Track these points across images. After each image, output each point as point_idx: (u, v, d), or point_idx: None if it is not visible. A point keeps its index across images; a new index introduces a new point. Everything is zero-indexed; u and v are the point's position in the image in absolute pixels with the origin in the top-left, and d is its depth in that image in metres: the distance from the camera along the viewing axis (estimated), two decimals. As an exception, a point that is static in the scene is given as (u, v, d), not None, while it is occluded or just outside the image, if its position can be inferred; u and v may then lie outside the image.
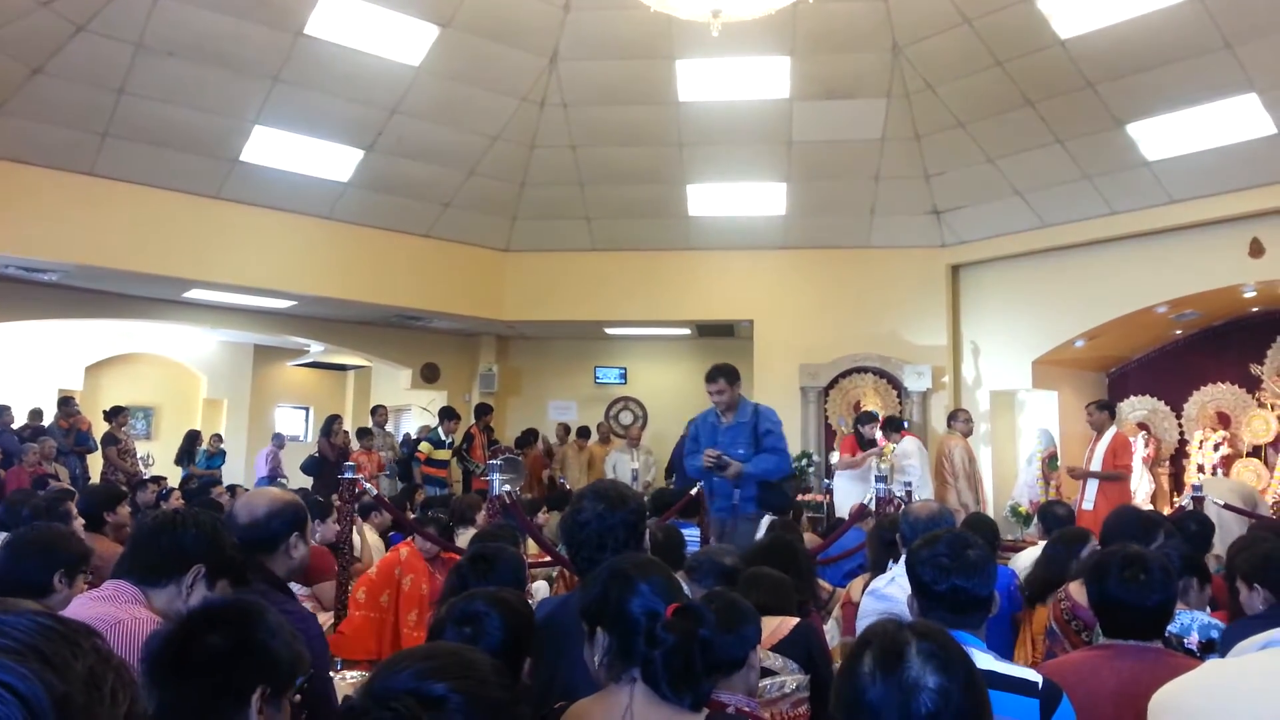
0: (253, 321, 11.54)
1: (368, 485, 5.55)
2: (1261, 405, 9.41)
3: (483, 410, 11.38)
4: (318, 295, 10.23)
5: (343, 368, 14.94)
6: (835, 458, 9.48)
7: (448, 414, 10.89)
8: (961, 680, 1.39)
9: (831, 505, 9.39)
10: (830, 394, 10.66)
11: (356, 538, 5.54)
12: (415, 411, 13.06)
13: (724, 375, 5.84)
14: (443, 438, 10.56)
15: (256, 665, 1.49)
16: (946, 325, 10.39)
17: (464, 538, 4.87)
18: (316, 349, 13.11)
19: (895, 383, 10.42)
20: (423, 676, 1.24)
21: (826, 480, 10.10)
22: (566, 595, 2.58)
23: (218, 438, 12.07)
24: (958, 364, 10.41)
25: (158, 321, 11.32)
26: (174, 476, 10.52)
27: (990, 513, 9.13)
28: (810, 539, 6.23)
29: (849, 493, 8.48)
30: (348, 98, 8.83)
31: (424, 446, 10.42)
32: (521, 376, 13.03)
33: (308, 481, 10.26)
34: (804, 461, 10.35)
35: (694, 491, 5.85)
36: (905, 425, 9.11)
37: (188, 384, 13.86)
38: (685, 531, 5.56)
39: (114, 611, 2.07)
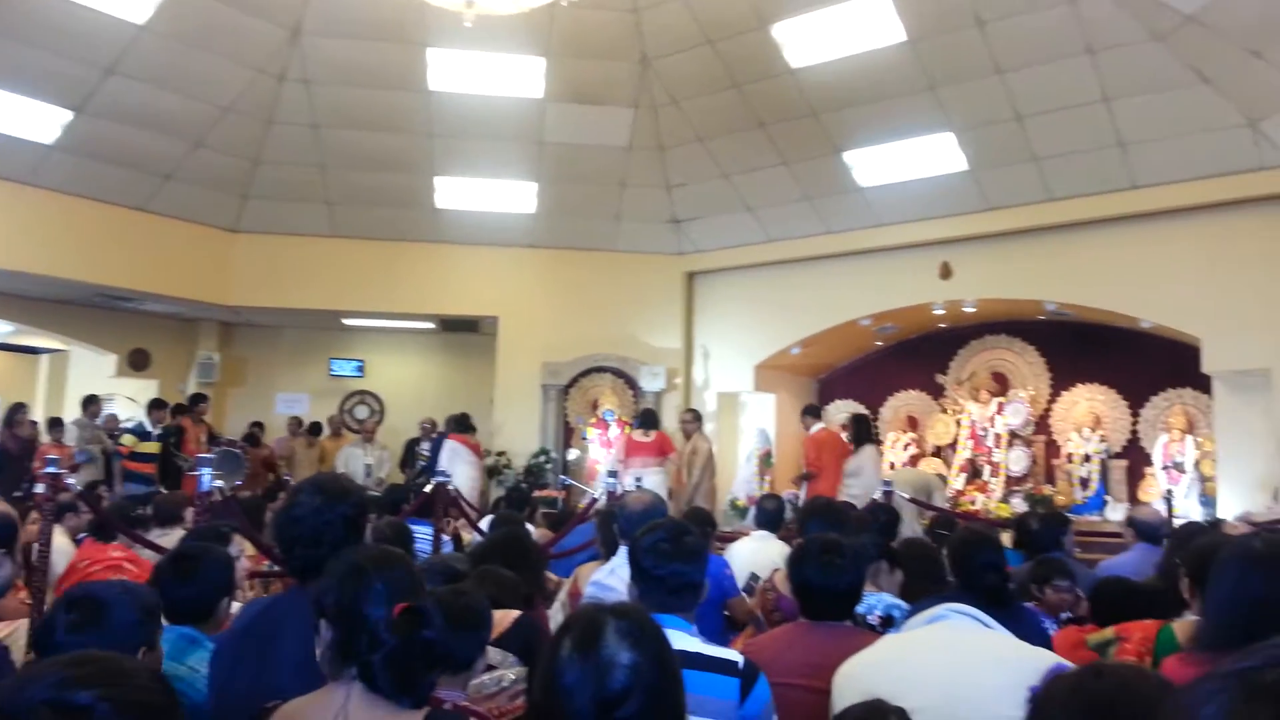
0: (-75, 295, 10.02)
1: (71, 481, 4.98)
2: (944, 411, 10.63)
3: (196, 400, 10.46)
4: (9, 269, 9.04)
5: (35, 351, 13.33)
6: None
7: (158, 405, 10.00)
8: (653, 655, 1.45)
9: (567, 500, 9.56)
10: (570, 392, 10.86)
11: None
12: (120, 402, 11.86)
13: None
14: (149, 429, 9.66)
15: None
16: (681, 329, 10.91)
17: (170, 539, 4.50)
18: (4, 329, 11.62)
19: (632, 383, 10.80)
20: (65, 685, 1.12)
21: (563, 477, 10.28)
22: (275, 596, 2.46)
23: None
24: (690, 366, 10.95)
25: None
26: None
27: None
28: (543, 534, 6.32)
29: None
30: (56, 52, 7.91)
31: (127, 439, 9.48)
32: (247, 366, 12.21)
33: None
34: (542, 458, 10.48)
35: (429, 488, 5.75)
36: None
37: None
38: (419, 529, 5.46)
39: None
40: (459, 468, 8.65)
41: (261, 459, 10.78)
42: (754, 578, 4.31)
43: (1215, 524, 5.25)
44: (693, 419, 9.85)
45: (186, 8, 7.92)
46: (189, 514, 4.95)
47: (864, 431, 8.97)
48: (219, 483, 3.99)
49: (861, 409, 11.14)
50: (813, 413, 9.63)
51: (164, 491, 7.92)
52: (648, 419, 9.50)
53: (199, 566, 2.38)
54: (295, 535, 2.15)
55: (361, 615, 1.68)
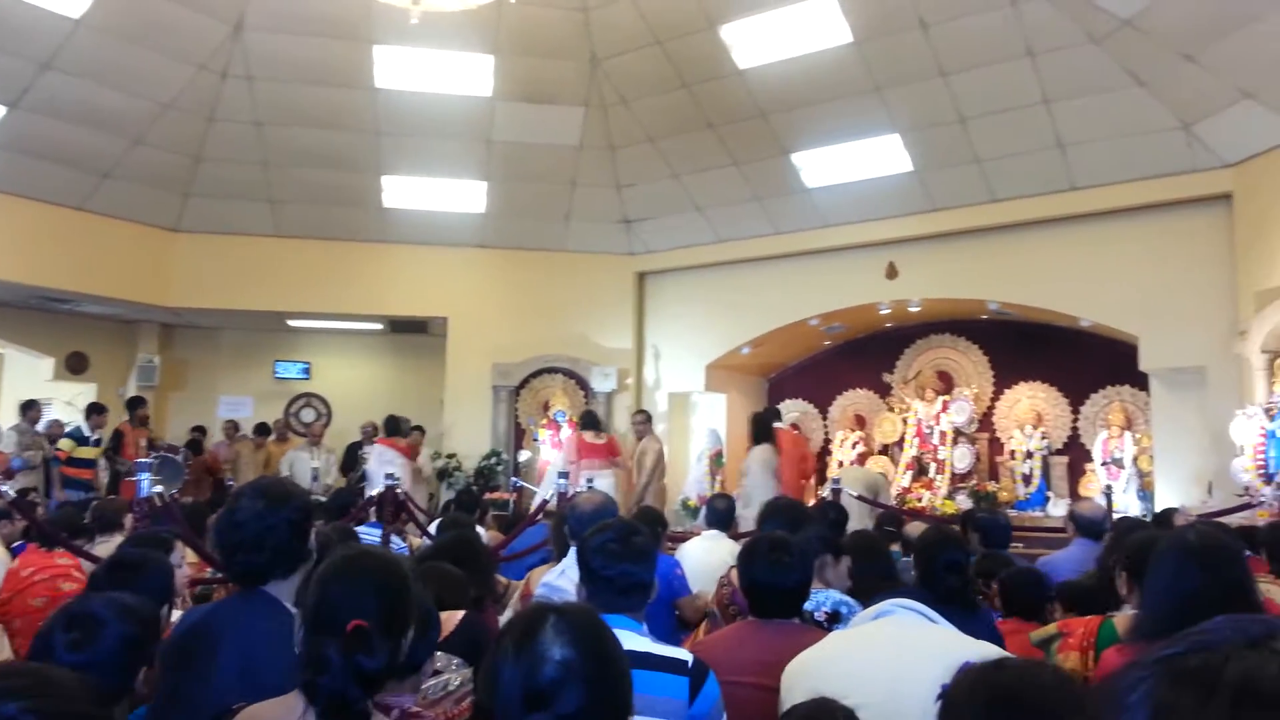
0: None
1: (4, 488, 4.85)
2: (890, 409, 10.77)
3: (136, 403, 10.18)
4: (-63, 269, 8.77)
5: (-35, 353, 12.88)
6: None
7: (96, 409, 9.72)
8: (590, 650, 1.43)
9: (519, 503, 9.51)
10: (521, 393, 10.81)
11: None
12: (58, 407, 11.53)
13: None
14: (87, 434, 9.40)
15: None
16: (632, 330, 10.91)
17: (108, 546, 4.39)
18: (-69, 331, 11.22)
19: (583, 383, 10.78)
20: None
21: (515, 479, 10.22)
22: (216, 603, 2.41)
23: None
24: (641, 367, 10.96)
25: None
26: None
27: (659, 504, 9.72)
28: (494, 536, 6.29)
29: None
30: (-12, 46, 7.68)
31: (64, 443, 9.21)
32: (188, 369, 11.95)
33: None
34: (493, 460, 10.41)
35: (375, 492, 5.68)
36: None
37: None
38: (369, 532, 5.40)
39: None
40: (387, 472, 8.50)
41: (204, 464, 10.55)
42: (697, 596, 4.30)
43: (1167, 515, 5.33)
44: (643, 420, 9.85)
45: (124, 2, 7.73)
46: (128, 520, 4.84)
47: (759, 430, 8.74)
48: (158, 488, 3.90)
49: (811, 408, 11.25)
50: (774, 415, 9.57)
51: (101, 497, 7.73)
52: (590, 420, 9.42)
53: (137, 574, 2.32)
54: (237, 541, 2.10)
55: (318, 623, 1.62)
